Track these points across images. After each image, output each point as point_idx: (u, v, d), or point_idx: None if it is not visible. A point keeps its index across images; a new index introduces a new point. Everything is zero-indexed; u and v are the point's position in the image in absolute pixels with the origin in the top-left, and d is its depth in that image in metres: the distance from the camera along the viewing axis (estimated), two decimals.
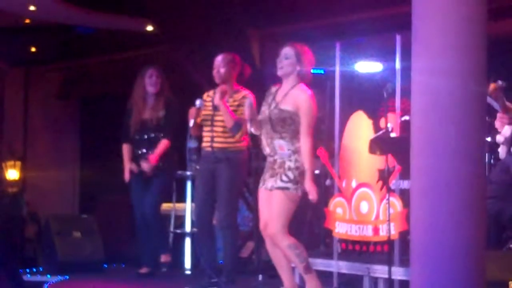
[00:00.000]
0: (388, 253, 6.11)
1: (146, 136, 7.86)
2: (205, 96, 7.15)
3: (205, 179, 7.01)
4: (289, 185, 5.89)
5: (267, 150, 6.07)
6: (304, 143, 5.92)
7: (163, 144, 7.80)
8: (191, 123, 6.93)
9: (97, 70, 12.02)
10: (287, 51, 6.02)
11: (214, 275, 6.94)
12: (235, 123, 6.88)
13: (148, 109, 7.92)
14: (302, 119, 5.93)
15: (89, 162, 12.45)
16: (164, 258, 7.98)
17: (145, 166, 7.79)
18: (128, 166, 7.92)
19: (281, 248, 5.94)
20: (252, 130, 6.17)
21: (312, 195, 5.91)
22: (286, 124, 5.94)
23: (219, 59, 7.06)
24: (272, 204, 5.93)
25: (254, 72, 8.94)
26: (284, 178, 5.90)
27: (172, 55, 10.18)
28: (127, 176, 7.93)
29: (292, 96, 5.98)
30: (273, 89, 6.15)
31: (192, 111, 6.95)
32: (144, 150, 7.84)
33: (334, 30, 8.38)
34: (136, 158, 7.89)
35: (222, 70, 7.02)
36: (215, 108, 6.95)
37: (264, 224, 6.04)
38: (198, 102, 6.95)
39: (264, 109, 6.09)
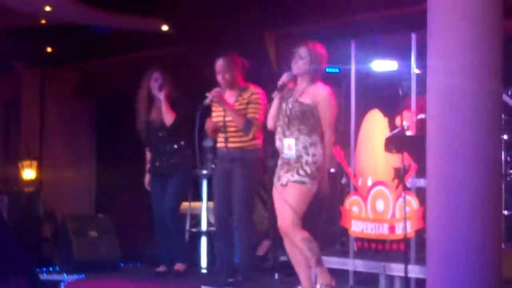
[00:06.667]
0: (404, 251, 6.11)
1: (155, 136, 7.85)
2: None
3: (223, 178, 6.99)
4: (305, 179, 5.90)
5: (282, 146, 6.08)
6: (329, 138, 5.97)
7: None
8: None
9: (113, 70, 12.04)
10: (301, 51, 6.07)
11: (231, 274, 6.94)
12: (245, 123, 6.86)
13: (154, 109, 7.91)
14: (323, 115, 5.97)
15: (105, 161, 12.47)
16: (178, 266, 7.86)
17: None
18: (148, 175, 7.97)
19: (295, 243, 5.94)
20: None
21: (324, 188, 5.95)
22: (305, 117, 5.96)
23: (220, 64, 6.98)
24: (286, 198, 5.93)
25: (271, 72, 8.95)
26: (301, 172, 5.90)
27: (187, 55, 10.18)
28: (147, 183, 7.98)
29: (312, 92, 6.01)
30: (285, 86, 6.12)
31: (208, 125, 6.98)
32: (167, 148, 7.84)
33: (350, 28, 8.36)
34: (159, 157, 7.89)
35: (227, 76, 6.97)
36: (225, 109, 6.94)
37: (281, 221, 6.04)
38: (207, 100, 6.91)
39: (281, 105, 6.08)
